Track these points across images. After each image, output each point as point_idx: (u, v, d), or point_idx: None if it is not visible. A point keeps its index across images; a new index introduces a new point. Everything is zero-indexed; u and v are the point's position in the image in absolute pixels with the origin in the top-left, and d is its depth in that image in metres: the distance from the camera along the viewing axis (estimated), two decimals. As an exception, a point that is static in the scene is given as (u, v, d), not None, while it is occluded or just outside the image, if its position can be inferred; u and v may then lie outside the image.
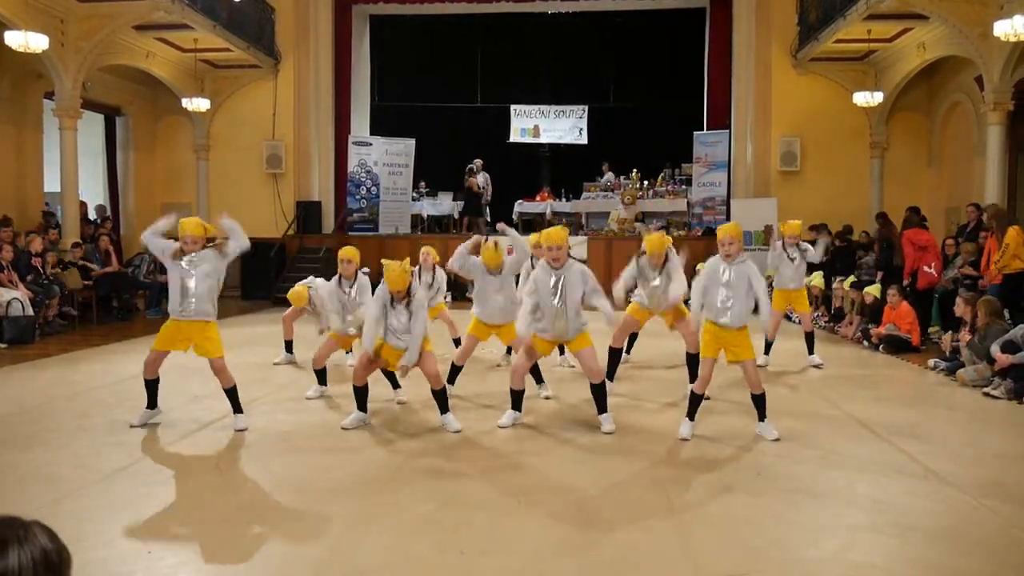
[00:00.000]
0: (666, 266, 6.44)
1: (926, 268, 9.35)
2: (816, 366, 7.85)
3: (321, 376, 6.54)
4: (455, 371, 6.49)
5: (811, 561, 3.33)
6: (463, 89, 18.44)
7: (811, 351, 8.00)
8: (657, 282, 6.47)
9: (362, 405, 5.56)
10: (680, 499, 4.08)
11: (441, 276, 8.28)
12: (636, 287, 6.68)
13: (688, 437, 5.24)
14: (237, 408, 5.52)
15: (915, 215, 11.11)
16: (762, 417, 5.34)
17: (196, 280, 5.36)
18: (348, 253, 6.48)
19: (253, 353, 8.34)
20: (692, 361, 6.43)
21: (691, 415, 5.34)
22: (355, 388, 5.54)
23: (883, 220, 11.56)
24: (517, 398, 5.58)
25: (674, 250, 6.62)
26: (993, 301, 7.46)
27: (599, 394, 5.49)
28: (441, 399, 5.48)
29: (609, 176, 17.35)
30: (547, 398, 6.36)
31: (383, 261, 5.44)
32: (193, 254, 5.39)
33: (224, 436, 5.32)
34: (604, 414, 5.47)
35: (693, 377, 6.10)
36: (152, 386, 5.58)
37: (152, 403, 5.61)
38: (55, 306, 10.46)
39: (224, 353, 5.51)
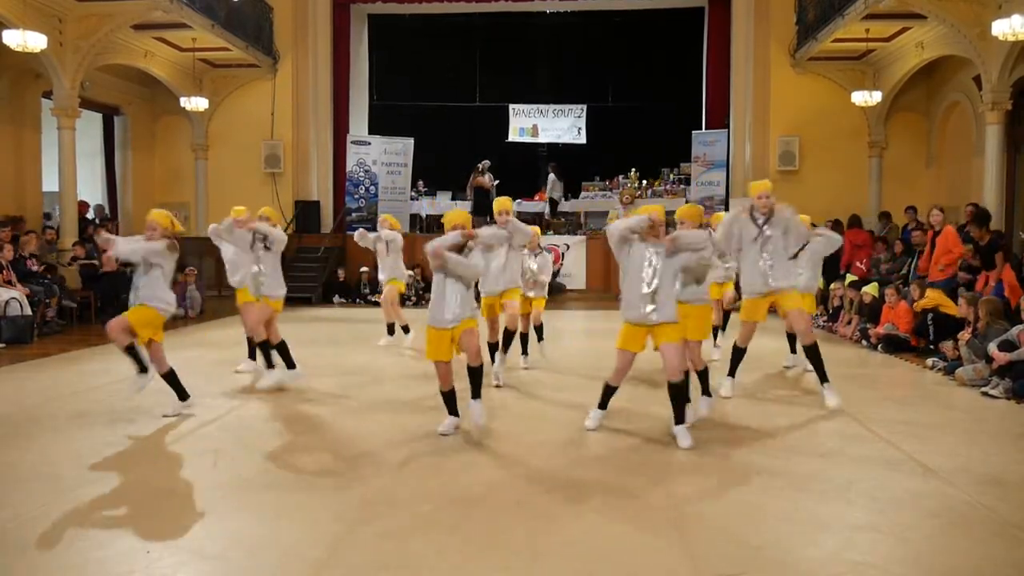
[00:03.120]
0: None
1: (858, 263, 11.25)
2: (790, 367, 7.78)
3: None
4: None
5: (810, 560, 3.34)
6: (462, 88, 18.41)
7: (794, 348, 7.75)
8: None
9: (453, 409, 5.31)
10: (679, 498, 4.09)
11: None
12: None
13: (729, 395, 5.93)
14: (183, 395, 5.89)
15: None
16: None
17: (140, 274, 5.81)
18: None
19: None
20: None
21: (732, 372, 6.02)
22: (444, 393, 5.25)
23: (871, 218, 12.62)
24: (608, 394, 5.33)
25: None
26: (994, 301, 7.45)
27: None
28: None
29: (552, 178, 17.01)
30: (525, 368, 7.25)
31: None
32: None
33: (223, 436, 5.32)
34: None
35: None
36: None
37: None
38: (54, 305, 10.44)
39: (162, 337, 5.84)
